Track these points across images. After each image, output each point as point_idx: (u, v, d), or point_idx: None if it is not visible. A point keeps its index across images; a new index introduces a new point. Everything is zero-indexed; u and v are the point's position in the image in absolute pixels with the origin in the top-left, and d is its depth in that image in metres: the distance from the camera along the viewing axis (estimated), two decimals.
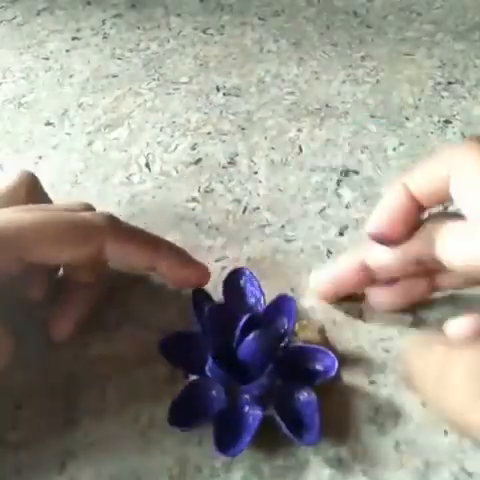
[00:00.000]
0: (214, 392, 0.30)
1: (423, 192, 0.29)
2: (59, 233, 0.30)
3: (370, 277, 0.33)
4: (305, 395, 0.30)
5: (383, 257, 0.32)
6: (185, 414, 0.29)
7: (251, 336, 0.29)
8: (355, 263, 0.33)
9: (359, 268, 0.33)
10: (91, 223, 0.31)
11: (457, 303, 0.36)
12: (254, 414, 0.29)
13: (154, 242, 0.34)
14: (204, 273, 0.35)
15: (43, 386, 0.33)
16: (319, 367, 0.31)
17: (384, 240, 0.31)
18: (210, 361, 0.29)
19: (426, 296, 0.35)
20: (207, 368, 0.29)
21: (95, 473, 0.29)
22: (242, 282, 0.35)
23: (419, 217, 0.30)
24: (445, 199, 0.29)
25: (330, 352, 0.31)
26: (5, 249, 0.28)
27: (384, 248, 0.31)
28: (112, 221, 0.32)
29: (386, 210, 0.30)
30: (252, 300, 0.35)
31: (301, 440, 0.28)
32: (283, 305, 0.33)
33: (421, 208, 0.30)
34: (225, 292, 0.35)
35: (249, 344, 0.29)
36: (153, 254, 0.34)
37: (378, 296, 0.34)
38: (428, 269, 0.32)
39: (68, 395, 0.32)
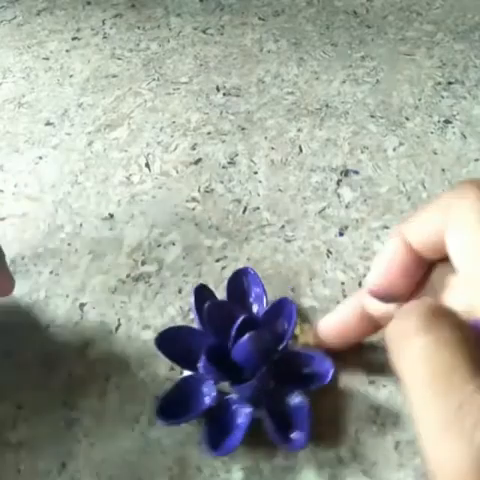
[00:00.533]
0: (205, 389, 0.30)
1: (421, 244, 0.25)
2: None
3: (374, 325, 0.30)
4: (296, 401, 0.30)
5: (383, 306, 0.28)
6: (172, 408, 0.29)
7: (245, 338, 0.29)
8: (356, 312, 0.30)
9: (361, 317, 0.30)
10: None
11: None
12: (244, 413, 0.29)
13: None
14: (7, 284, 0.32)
15: (43, 386, 0.33)
16: (314, 373, 0.31)
17: (385, 297, 0.26)
18: (203, 358, 0.29)
19: None
20: (199, 365, 0.29)
21: (95, 473, 0.29)
22: (246, 282, 0.35)
23: (424, 269, 0.26)
24: (444, 253, 0.24)
25: (327, 358, 0.31)
26: None
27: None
28: None
29: (384, 265, 0.26)
30: (254, 300, 0.35)
31: (287, 445, 0.28)
32: (284, 308, 0.33)
33: (424, 260, 0.25)
34: (228, 291, 0.35)
35: (242, 345, 0.29)
36: None
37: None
38: None
39: (68, 395, 0.32)
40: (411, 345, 0.20)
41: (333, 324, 0.31)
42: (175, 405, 0.29)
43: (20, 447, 0.30)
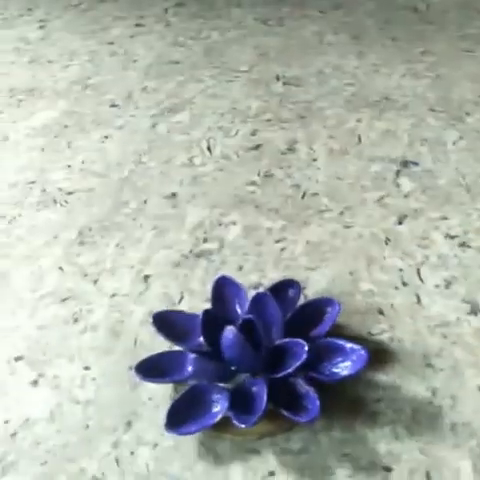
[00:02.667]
0: (215, 396, 0.31)
1: None
2: None
3: None
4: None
5: None
6: (182, 418, 0.30)
7: (225, 332, 0.30)
8: None
9: None
10: None
11: None
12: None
13: None
14: None
15: (109, 350, 0.34)
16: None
17: None
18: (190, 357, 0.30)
19: None
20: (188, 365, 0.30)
21: (159, 434, 0.30)
22: (227, 290, 0.35)
23: None
24: None
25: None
26: None
27: None
28: None
29: None
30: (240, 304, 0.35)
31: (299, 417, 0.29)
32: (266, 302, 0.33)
33: None
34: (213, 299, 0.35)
35: (226, 339, 0.30)
36: None
37: None
38: None
39: (133, 360, 0.33)
40: None
41: None
42: (185, 414, 0.30)
43: (88, 404, 0.32)
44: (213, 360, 0.32)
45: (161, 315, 0.34)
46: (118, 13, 0.68)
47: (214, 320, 0.33)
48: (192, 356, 0.30)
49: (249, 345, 0.31)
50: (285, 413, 0.30)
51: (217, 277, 0.35)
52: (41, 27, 0.66)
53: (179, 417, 0.30)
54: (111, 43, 0.63)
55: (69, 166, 0.47)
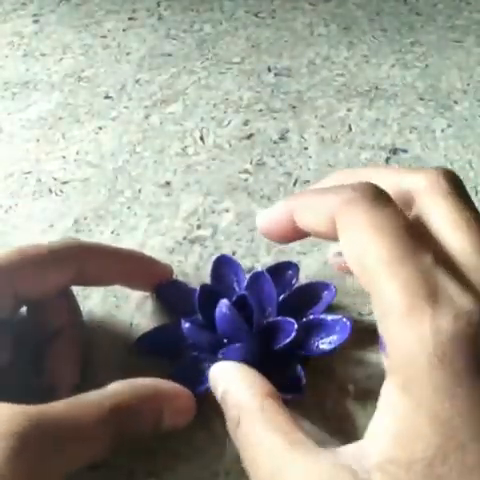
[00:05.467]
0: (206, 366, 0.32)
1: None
2: (41, 257, 0.30)
3: (298, 231, 0.28)
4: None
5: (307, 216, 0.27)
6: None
7: (219, 305, 0.31)
8: (285, 212, 0.28)
9: (287, 219, 0.28)
10: (67, 245, 0.31)
11: None
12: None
13: (125, 254, 0.35)
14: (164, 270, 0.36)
15: (106, 332, 0.35)
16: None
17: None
18: (184, 323, 0.31)
19: None
20: (183, 327, 0.31)
21: None
22: (226, 268, 0.36)
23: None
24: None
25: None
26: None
27: (310, 205, 0.27)
28: (83, 242, 0.33)
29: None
30: (238, 283, 0.36)
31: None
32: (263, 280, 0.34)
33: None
34: (213, 277, 0.36)
35: (219, 313, 0.31)
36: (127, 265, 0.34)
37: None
38: None
39: (128, 341, 0.34)
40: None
41: (264, 217, 0.30)
42: (182, 383, 0.31)
43: None
44: (207, 332, 0.32)
45: (164, 287, 0.35)
46: (111, 7, 0.69)
47: (210, 294, 0.33)
48: (187, 325, 0.31)
49: (242, 319, 0.32)
50: None
51: (217, 256, 0.36)
52: (35, 21, 0.66)
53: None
54: (104, 36, 0.63)
55: (64, 157, 0.48)
